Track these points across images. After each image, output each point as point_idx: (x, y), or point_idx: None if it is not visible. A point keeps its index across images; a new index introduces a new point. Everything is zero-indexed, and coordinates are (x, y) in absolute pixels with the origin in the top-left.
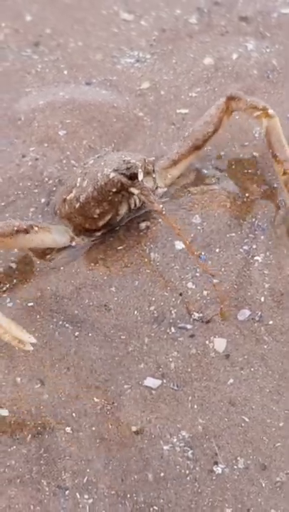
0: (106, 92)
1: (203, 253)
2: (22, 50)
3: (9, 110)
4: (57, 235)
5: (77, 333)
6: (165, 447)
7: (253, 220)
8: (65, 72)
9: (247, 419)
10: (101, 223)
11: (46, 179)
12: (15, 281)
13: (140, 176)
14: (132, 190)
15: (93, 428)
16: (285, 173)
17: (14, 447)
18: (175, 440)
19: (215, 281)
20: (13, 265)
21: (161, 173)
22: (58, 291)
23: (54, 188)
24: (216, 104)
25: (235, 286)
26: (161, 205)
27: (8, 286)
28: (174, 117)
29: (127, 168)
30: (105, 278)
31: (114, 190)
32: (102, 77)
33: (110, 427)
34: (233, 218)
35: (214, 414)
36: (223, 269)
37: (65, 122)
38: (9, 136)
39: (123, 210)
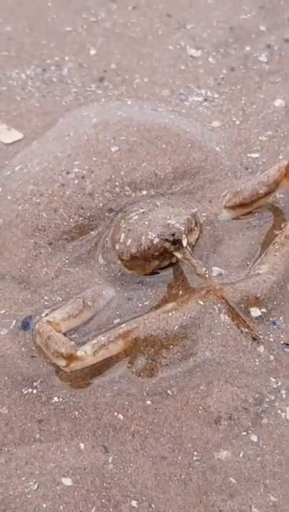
0: (174, 117)
1: (281, 318)
2: (86, 85)
3: (59, 132)
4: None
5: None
6: None
7: None
8: (129, 102)
9: None
10: (143, 273)
11: (100, 205)
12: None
13: (184, 242)
14: (176, 254)
15: (160, 503)
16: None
17: None
18: None
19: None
20: None
21: None
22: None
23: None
24: (278, 165)
25: None
26: (204, 269)
27: None
28: (246, 161)
29: (172, 234)
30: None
31: (156, 254)
32: (169, 108)
33: (179, 502)
34: None
35: (287, 492)
36: None
37: (118, 139)
38: (53, 151)
39: (165, 263)
